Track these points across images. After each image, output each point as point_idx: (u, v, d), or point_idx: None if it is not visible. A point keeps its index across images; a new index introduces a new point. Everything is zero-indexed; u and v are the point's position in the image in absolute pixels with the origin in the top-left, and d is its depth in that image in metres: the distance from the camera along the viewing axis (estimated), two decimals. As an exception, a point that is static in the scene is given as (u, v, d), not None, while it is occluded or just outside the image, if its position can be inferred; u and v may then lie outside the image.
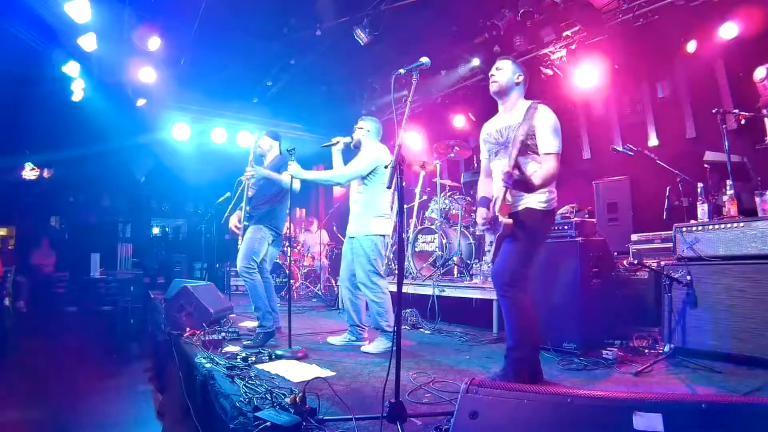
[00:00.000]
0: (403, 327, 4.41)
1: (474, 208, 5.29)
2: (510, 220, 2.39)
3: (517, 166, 2.30)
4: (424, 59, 2.22)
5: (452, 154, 5.92)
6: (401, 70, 2.26)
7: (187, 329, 3.76)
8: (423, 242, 5.53)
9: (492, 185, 2.66)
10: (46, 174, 9.53)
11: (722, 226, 2.95)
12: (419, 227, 5.63)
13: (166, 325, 4.20)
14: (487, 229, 2.59)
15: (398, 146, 2.04)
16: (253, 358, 2.97)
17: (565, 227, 3.40)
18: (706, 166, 3.57)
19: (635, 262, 3.58)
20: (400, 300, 2.02)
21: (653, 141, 5.37)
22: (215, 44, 6.12)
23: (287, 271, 6.52)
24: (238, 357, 2.98)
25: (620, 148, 3.98)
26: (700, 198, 3.24)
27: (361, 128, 3.70)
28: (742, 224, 2.87)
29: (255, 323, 3.85)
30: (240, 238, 3.84)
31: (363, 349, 3.45)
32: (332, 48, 6.10)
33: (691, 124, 5.09)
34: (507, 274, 2.42)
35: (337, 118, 8.27)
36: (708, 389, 2.42)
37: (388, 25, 5.53)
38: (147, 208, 11.58)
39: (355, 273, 3.61)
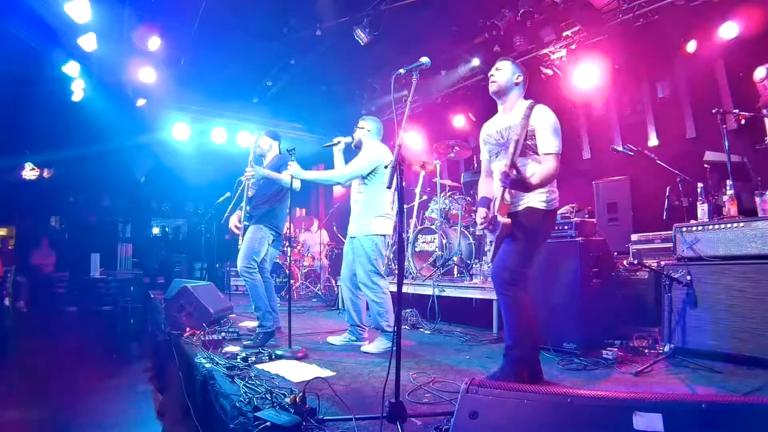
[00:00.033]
0: (403, 327, 4.41)
1: (474, 208, 5.29)
2: (508, 220, 2.39)
3: (514, 165, 2.30)
4: (424, 59, 2.22)
5: (452, 154, 5.92)
6: (401, 70, 2.26)
7: (187, 329, 3.76)
8: (423, 242, 5.53)
9: (492, 185, 2.67)
10: (46, 174, 9.53)
11: (722, 226, 2.95)
12: (419, 227, 5.63)
13: (166, 325, 4.20)
14: (487, 229, 2.59)
15: (398, 146, 2.05)
16: (253, 358, 2.97)
17: (565, 227, 3.40)
18: (706, 166, 3.57)
19: (635, 262, 3.58)
20: (399, 300, 2.02)
21: (653, 141, 5.38)
22: (215, 44, 6.12)
23: (287, 271, 6.52)
24: (238, 357, 2.98)
25: (620, 148, 3.98)
26: (700, 198, 3.23)
27: (362, 128, 3.70)
28: (742, 224, 2.87)
29: (255, 323, 3.85)
30: (240, 238, 3.84)
31: (363, 349, 3.45)
32: (332, 48, 6.10)
33: (691, 124, 5.09)
34: (507, 273, 2.42)
35: (337, 118, 8.29)
36: (708, 389, 2.42)
37: (388, 25, 5.53)
38: (147, 208, 11.58)
39: (355, 273, 3.61)
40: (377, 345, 3.42)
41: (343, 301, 3.96)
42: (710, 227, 3.01)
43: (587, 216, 3.78)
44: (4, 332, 6.04)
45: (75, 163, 8.85)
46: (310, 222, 8.56)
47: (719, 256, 2.93)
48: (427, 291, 4.70)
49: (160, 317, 4.76)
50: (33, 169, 9.29)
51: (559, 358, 3.05)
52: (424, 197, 5.89)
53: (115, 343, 6.30)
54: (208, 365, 2.73)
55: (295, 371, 2.75)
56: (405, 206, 5.46)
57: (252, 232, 3.75)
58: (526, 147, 2.46)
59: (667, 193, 3.93)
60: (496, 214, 2.44)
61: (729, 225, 2.92)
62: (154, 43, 5.83)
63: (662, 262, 3.47)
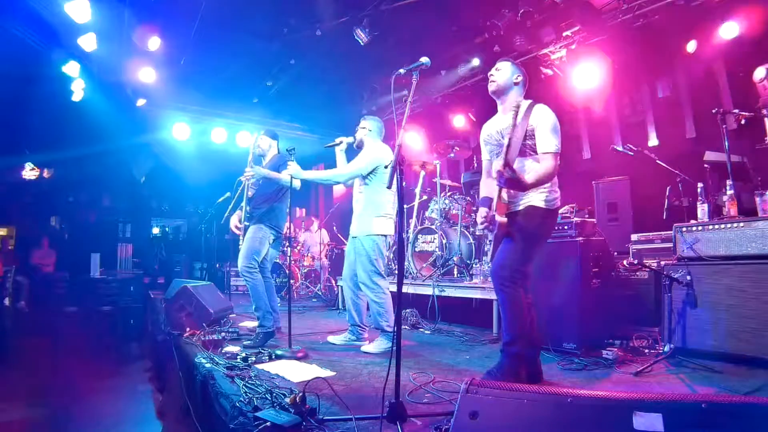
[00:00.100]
0: (403, 327, 4.41)
1: (474, 208, 5.30)
2: (505, 219, 2.40)
3: (508, 164, 2.30)
4: (424, 59, 2.22)
5: (452, 154, 5.93)
6: (401, 70, 2.27)
7: (187, 329, 3.76)
8: (423, 242, 5.53)
9: (493, 185, 2.67)
10: (46, 174, 9.53)
11: (722, 226, 2.95)
12: (419, 227, 5.63)
13: (166, 325, 4.20)
14: (488, 229, 2.59)
15: (398, 146, 2.05)
16: (253, 358, 2.97)
17: (565, 227, 3.40)
18: (706, 166, 3.57)
19: (635, 262, 3.58)
20: (399, 300, 2.02)
21: (653, 141, 5.38)
22: (215, 44, 6.12)
23: (287, 271, 6.53)
24: (238, 357, 2.98)
25: (620, 148, 3.98)
26: (700, 198, 3.23)
27: (364, 128, 3.70)
28: (742, 224, 2.86)
29: (255, 323, 3.85)
30: (241, 238, 3.85)
31: (363, 349, 3.45)
32: (332, 48, 6.10)
33: (691, 124, 5.09)
34: (506, 271, 2.43)
35: (337, 118, 8.29)
36: (708, 389, 2.42)
37: (388, 25, 5.54)
38: (147, 208, 11.58)
39: (356, 273, 3.61)
40: (377, 345, 3.42)
41: (343, 300, 3.96)
42: (710, 227, 3.01)
43: (587, 216, 3.78)
44: (4, 332, 6.04)
45: (75, 163, 8.85)
46: (310, 222, 8.56)
47: (719, 256, 2.93)
48: (427, 291, 4.70)
49: (160, 317, 4.76)
50: (33, 169, 9.30)
51: (559, 358, 3.05)
52: (424, 197, 5.89)
53: (115, 343, 6.30)
54: (208, 365, 2.73)
55: (295, 371, 2.74)
56: (405, 206, 5.46)
57: (252, 231, 3.75)
58: (525, 146, 2.46)
59: (667, 193, 3.93)
60: (494, 213, 2.45)
61: (729, 225, 2.92)
62: (154, 43, 5.83)
63: (662, 262, 3.47)
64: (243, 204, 3.89)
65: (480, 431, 1.40)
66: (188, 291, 4.08)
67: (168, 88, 6.99)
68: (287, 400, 1.96)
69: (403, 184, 1.99)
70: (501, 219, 2.39)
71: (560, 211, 3.49)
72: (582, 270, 3.20)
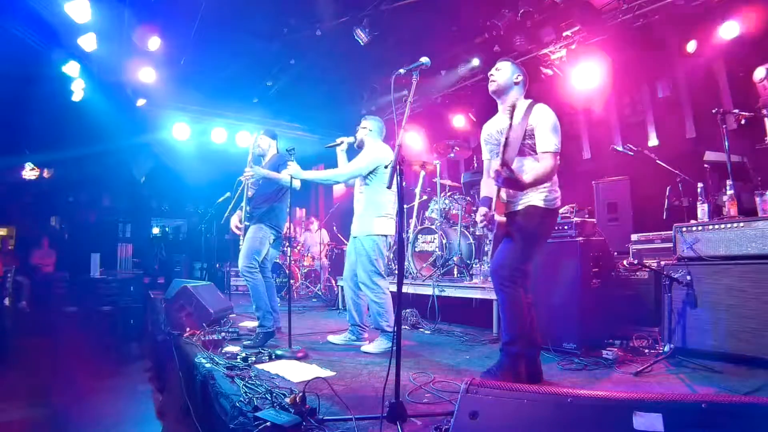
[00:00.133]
0: (403, 327, 4.41)
1: (474, 208, 5.30)
2: (503, 218, 2.40)
3: (505, 164, 2.30)
4: (424, 59, 2.22)
5: (452, 154, 5.93)
6: (401, 70, 2.27)
7: (187, 329, 3.76)
8: (423, 242, 5.53)
9: (493, 185, 2.67)
10: (46, 174, 9.53)
11: (722, 226, 2.95)
12: (419, 227, 5.63)
13: (166, 325, 4.20)
14: (487, 228, 2.60)
15: (398, 146, 2.05)
16: (253, 358, 2.97)
17: (565, 227, 3.40)
18: (706, 166, 3.57)
19: (635, 262, 3.58)
20: (399, 300, 2.02)
21: (653, 141, 5.38)
22: (215, 44, 6.12)
23: (287, 271, 6.53)
24: (238, 357, 2.98)
25: (620, 148, 3.98)
26: (700, 198, 3.23)
27: (364, 128, 3.70)
28: (742, 224, 2.86)
29: (255, 323, 3.85)
30: (241, 238, 3.85)
31: (363, 349, 3.45)
32: (332, 48, 6.10)
33: (691, 124, 5.09)
34: (505, 270, 2.43)
35: (338, 118, 8.29)
36: (708, 389, 2.42)
37: (388, 25, 5.54)
38: (147, 208, 11.58)
39: (356, 273, 3.61)
40: (377, 345, 3.42)
41: (343, 300, 3.96)
42: (710, 227, 3.01)
43: (587, 216, 3.78)
44: (4, 332, 6.04)
45: (75, 163, 8.85)
46: (310, 222, 8.57)
47: (719, 256, 2.93)
48: (427, 291, 4.70)
49: (160, 317, 4.76)
50: (33, 169, 9.30)
51: (559, 358, 3.05)
52: (424, 197, 5.89)
53: (115, 343, 6.30)
54: (208, 365, 2.73)
55: (295, 371, 2.74)
56: (405, 206, 5.46)
57: (253, 231, 3.75)
58: (525, 146, 2.46)
59: (667, 193, 3.93)
60: (493, 213, 2.45)
61: (729, 225, 2.92)
62: (154, 43, 5.83)
63: (662, 262, 3.47)
64: (243, 204, 3.89)
65: (480, 431, 1.40)
66: (188, 291, 4.08)
67: (168, 88, 6.99)
68: (287, 400, 1.96)
69: (403, 184, 1.99)
70: (500, 218, 2.40)
71: (560, 211, 3.49)
72: (582, 270, 3.20)
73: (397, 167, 1.98)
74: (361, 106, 7.60)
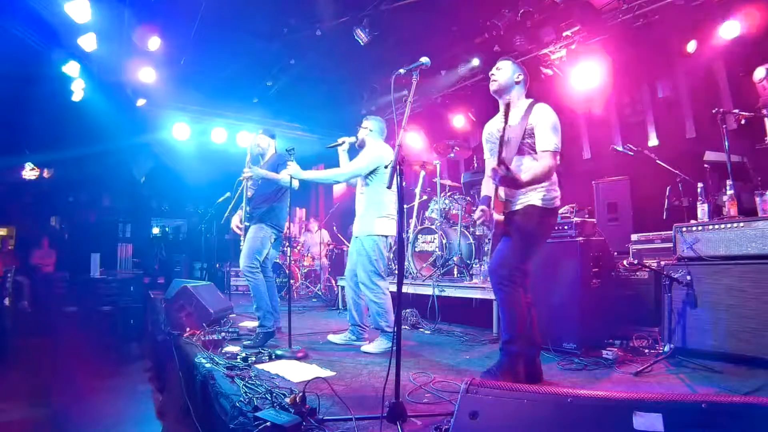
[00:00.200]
0: (403, 327, 4.41)
1: (474, 208, 5.29)
2: (501, 217, 2.40)
3: (502, 162, 2.30)
4: (424, 59, 2.22)
5: (452, 154, 5.92)
6: (401, 70, 2.27)
7: (187, 329, 3.76)
8: (423, 242, 5.53)
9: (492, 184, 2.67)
10: (46, 174, 9.53)
11: (722, 226, 2.95)
12: (419, 227, 5.63)
13: (166, 325, 4.20)
14: (485, 226, 2.60)
15: (398, 146, 2.05)
16: (253, 358, 2.97)
17: (565, 227, 3.40)
18: (706, 166, 3.57)
19: (635, 262, 3.58)
20: (399, 300, 2.02)
21: (653, 141, 5.38)
22: (215, 44, 6.12)
23: (287, 271, 6.53)
24: (238, 357, 2.98)
25: (620, 148, 3.98)
26: (700, 198, 3.23)
27: (365, 128, 3.70)
28: (742, 224, 2.87)
29: (255, 323, 3.85)
30: (242, 238, 3.85)
31: (363, 349, 3.45)
32: (332, 48, 6.10)
33: (691, 124, 5.09)
34: (504, 270, 2.43)
35: (337, 118, 8.29)
36: (708, 389, 2.42)
37: (388, 25, 5.54)
38: (147, 208, 11.58)
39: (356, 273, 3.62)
40: (377, 345, 3.42)
41: (343, 300, 3.96)
42: (710, 227, 3.01)
43: (587, 216, 3.78)
44: (4, 332, 6.04)
45: (75, 163, 8.85)
46: (310, 223, 8.57)
47: (719, 256, 2.93)
48: (427, 291, 4.70)
49: (160, 317, 4.76)
50: (33, 169, 9.30)
51: (559, 358, 3.05)
52: (424, 197, 5.89)
53: (115, 343, 6.30)
54: (208, 365, 2.73)
55: (295, 371, 2.74)
56: (405, 206, 5.46)
57: (253, 231, 3.75)
58: (524, 145, 2.46)
59: (667, 193, 3.93)
60: (492, 211, 2.45)
61: (729, 225, 2.92)
62: (154, 43, 5.83)
63: (662, 262, 3.47)
64: (243, 204, 3.89)
65: (480, 431, 1.40)
66: (188, 291, 4.07)
67: (168, 88, 6.99)
68: (287, 400, 1.96)
69: (403, 184, 1.99)
70: (498, 217, 2.40)
71: (560, 211, 3.50)
72: (582, 270, 3.20)
73: (397, 167, 1.98)
74: (361, 106, 7.60)
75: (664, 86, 5.29)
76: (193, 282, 4.46)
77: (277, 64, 6.85)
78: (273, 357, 3.05)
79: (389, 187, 2.00)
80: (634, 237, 4.31)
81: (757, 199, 2.94)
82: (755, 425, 1.17)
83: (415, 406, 2.14)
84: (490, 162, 2.66)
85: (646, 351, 3.21)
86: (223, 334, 3.65)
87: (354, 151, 3.79)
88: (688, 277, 2.99)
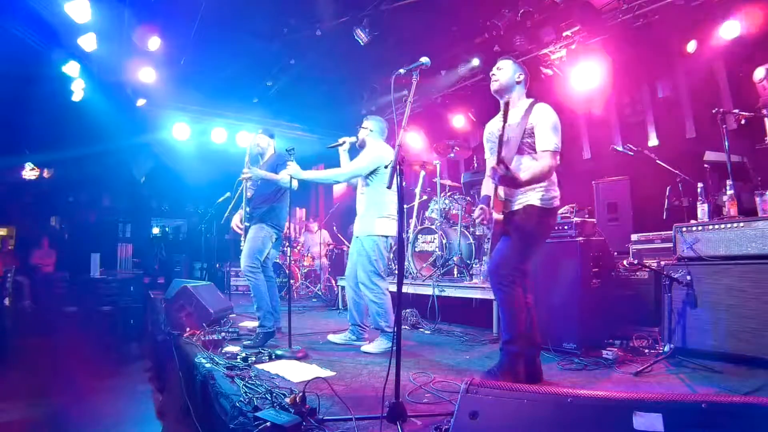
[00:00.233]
0: (403, 327, 4.41)
1: (474, 208, 5.29)
2: (501, 216, 2.41)
3: (501, 161, 2.30)
4: (424, 59, 2.22)
5: (452, 154, 5.92)
6: (401, 70, 2.27)
7: (187, 329, 3.76)
8: (423, 242, 5.53)
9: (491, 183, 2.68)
10: (46, 174, 9.54)
11: (722, 226, 2.95)
12: (419, 227, 5.63)
13: (166, 325, 4.20)
14: (484, 225, 2.60)
15: (398, 146, 2.05)
16: (253, 358, 2.97)
17: (565, 227, 3.40)
18: (706, 166, 3.57)
19: (635, 262, 3.58)
20: (399, 300, 2.02)
21: (653, 141, 5.38)
22: (215, 44, 6.12)
23: (287, 271, 6.53)
24: (238, 357, 2.98)
25: (620, 148, 3.98)
26: (700, 198, 3.23)
27: (365, 128, 3.70)
28: (742, 224, 2.87)
29: (255, 323, 3.84)
30: (242, 238, 3.85)
31: (363, 349, 3.45)
32: (332, 48, 6.10)
33: (691, 124, 5.09)
34: (502, 270, 2.43)
35: (337, 118, 8.29)
36: (708, 389, 2.42)
37: (388, 25, 5.53)
38: (147, 208, 11.59)
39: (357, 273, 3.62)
40: (377, 345, 3.42)
41: (343, 300, 3.96)
42: (710, 227, 3.01)
43: (587, 216, 3.78)
44: (4, 332, 6.04)
45: (75, 163, 8.85)
46: (310, 222, 8.57)
47: (719, 256, 2.93)
48: (427, 291, 4.70)
49: (160, 317, 4.76)
50: (33, 169, 9.30)
51: (559, 358, 3.05)
52: (424, 197, 5.89)
53: (115, 343, 6.30)
54: (208, 365, 2.73)
55: (295, 371, 2.74)
56: (405, 206, 5.46)
57: (254, 231, 3.76)
58: (524, 144, 2.47)
59: (667, 193, 3.93)
60: (491, 211, 2.46)
61: (729, 225, 2.92)
62: (154, 43, 5.83)
63: (662, 262, 3.47)
64: (243, 204, 3.89)
65: (480, 431, 1.40)
66: (188, 291, 4.07)
67: (168, 88, 6.99)
68: (287, 400, 1.96)
69: (403, 184, 1.99)
70: (498, 216, 2.40)
71: (560, 211, 3.50)
72: (582, 270, 3.20)
73: (397, 167, 1.98)
74: (361, 106, 7.60)
75: (664, 86, 5.29)
76: (193, 282, 4.46)
77: (277, 64, 6.85)
78: (273, 357, 3.05)
79: (389, 187, 2.00)
80: (634, 237, 4.31)
81: (757, 199, 2.94)
82: (755, 425, 1.17)
83: (415, 406, 2.14)
84: (490, 161, 2.66)
85: (646, 351, 3.21)
86: (223, 334, 3.65)
87: (355, 151, 3.79)
88: (688, 277, 2.99)
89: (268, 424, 1.77)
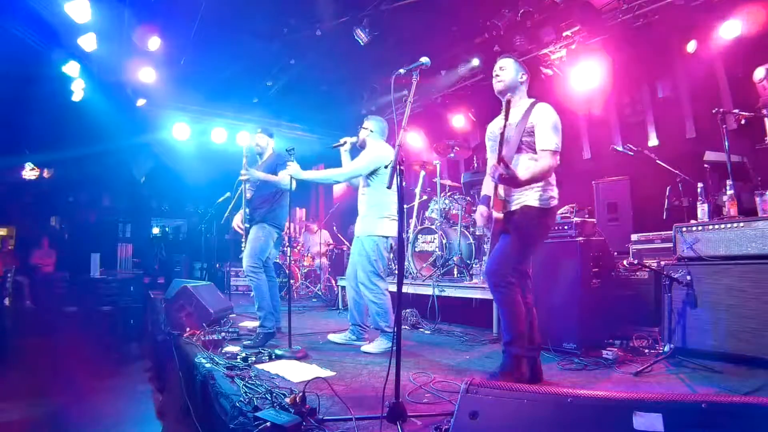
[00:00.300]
0: (403, 327, 4.41)
1: (474, 208, 5.30)
2: (501, 215, 2.41)
3: (501, 160, 2.30)
4: (424, 59, 2.22)
5: (452, 154, 5.92)
6: (401, 70, 2.27)
7: (187, 329, 3.76)
8: (423, 242, 5.53)
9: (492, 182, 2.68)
10: (46, 174, 9.54)
11: (722, 226, 2.95)
12: (419, 227, 5.63)
13: (166, 325, 4.20)
14: (485, 226, 2.60)
15: (398, 146, 2.05)
16: (253, 358, 2.97)
17: (565, 227, 3.40)
18: (706, 166, 3.57)
19: (635, 262, 3.58)
20: (399, 300, 2.02)
21: (653, 141, 5.38)
22: (215, 44, 6.12)
23: (287, 271, 6.53)
24: (238, 357, 2.98)
25: (620, 148, 3.98)
26: (700, 198, 3.23)
27: (366, 128, 3.70)
28: (742, 224, 2.87)
29: (255, 323, 3.84)
30: (243, 238, 3.85)
31: (363, 348, 3.45)
32: (332, 48, 6.10)
33: (691, 124, 5.09)
34: (501, 270, 2.43)
35: (337, 118, 8.29)
36: (708, 389, 2.42)
37: (388, 25, 5.54)
38: (147, 208, 11.59)
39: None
40: (377, 345, 3.42)
41: (343, 300, 3.96)
42: (710, 227, 3.01)
43: (587, 216, 3.78)
44: (4, 332, 6.04)
45: (75, 163, 8.85)
46: (311, 222, 8.57)
47: (719, 256, 2.93)
48: (427, 291, 4.70)
49: (160, 317, 4.76)
50: (33, 169, 9.30)
51: (559, 358, 3.05)
52: (424, 197, 5.89)
53: (115, 343, 6.30)
54: (208, 365, 2.73)
55: (295, 371, 2.75)
56: (405, 206, 5.46)
57: (255, 231, 3.76)
58: (524, 144, 2.47)
59: (667, 193, 3.93)
60: (491, 210, 2.46)
61: (729, 225, 2.92)
62: (154, 43, 5.83)
63: (662, 262, 3.47)
64: (243, 205, 3.89)
65: (480, 431, 1.40)
66: (188, 291, 4.07)
67: (168, 88, 6.99)
68: (287, 400, 1.96)
69: (403, 184, 1.99)
70: (498, 215, 2.41)
71: (560, 211, 3.50)
72: (582, 270, 3.20)
73: (397, 167, 1.98)
74: (361, 106, 7.60)
75: (664, 86, 5.29)
76: (193, 282, 4.46)
77: (277, 64, 6.86)
78: (273, 357, 3.05)
79: (389, 187, 2.00)
80: (634, 237, 4.31)
81: (757, 199, 2.94)
82: (755, 425, 1.17)
83: (415, 406, 2.14)
84: (491, 160, 2.66)
85: (646, 351, 3.21)
86: (223, 334, 3.65)
87: (356, 151, 3.80)
88: (688, 277, 2.99)
89: (268, 424, 1.77)
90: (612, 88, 5.48)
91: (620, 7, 5.00)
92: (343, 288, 5.67)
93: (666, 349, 3.01)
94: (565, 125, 2.51)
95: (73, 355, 5.15)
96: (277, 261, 6.23)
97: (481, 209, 2.66)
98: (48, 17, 5.29)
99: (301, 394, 1.94)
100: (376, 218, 3.52)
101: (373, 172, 3.54)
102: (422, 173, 5.79)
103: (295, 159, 3.50)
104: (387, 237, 3.56)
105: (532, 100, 2.56)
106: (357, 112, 7.61)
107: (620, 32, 5.11)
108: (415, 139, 7.98)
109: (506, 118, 2.37)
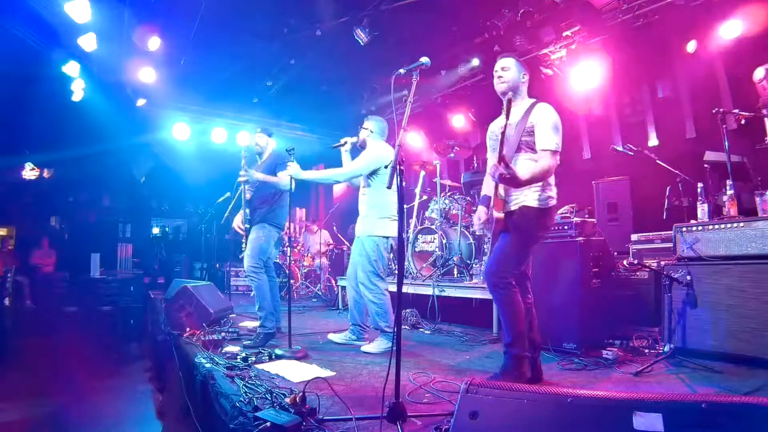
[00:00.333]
0: (403, 327, 4.40)
1: (474, 208, 5.30)
2: (501, 215, 2.41)
3: (502, 160, 2.30)
4: (424, 59, 2.22)
5: (452, 154, 5.92)
6: (401, 70, 2.27)
7: (187, 329, 3.76)
8: (423, 242, 5.53)
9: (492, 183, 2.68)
10: (46, 174, 9.54)
11: (722, 226, 2.95)
12: (419, 227, 5.63)
13: (166, 325, 4.20)
14: (485, 227, 2.60)
15: (398, 146, 2.05)
16: (253, 358, 2.97)
17: (565, 227, 3.40)
18: (706, 166, 3.57)
19: (635, 262, 3.58)
20: (399, 300, 2.02)
21: (653, 141, 5.38)
22: (215, 44, 6.12)
23: (287, 271, 6.53)
24: (238, 357, 2.98)
25: (620, 148, 3.98)
26: (700, 198, 3.23)
27: (366, 128, 3.70)
28: (742, 224, 2.86)
29: (255, 323, 3.84)
30: (243, 239, 3.85)
31: (363, 348, 3.45)
32: (332, 48, 6.10)
33: (691, 124, 5.09)
34: (500, 271, 2.43)
35: (337, 118, 8.29)
36: (708, 389, 2.42)
37: (388, 25, 5.54)
38: (147, 208, 11.59)
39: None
40: (377, 345, 3.42)
41: (343, 300, 3.96)
42: (710, 227, 3.01)
43: (587, 216, 3.78)
44: (4, 332, 6.04)
45: (75, 163, 8.85)
46: (311, 222, 8.58)
47: (719, 256, 2.93)
48: (427, 291, 4.70)
49: (160, 317, 4.76)
50: (33, 169, 9.30)
51: (559, 358, 3.05)
52: (424, 197, 5.89)
53: (115, 343, 6.30)
54: (208, 365, 2.73)
55: (295, 371, 2.75)
56: (405, 206, 5.46)
57: (255, 232, 3.76)
58: (523, 143, 2.47)
59: (667, 193, 3.93)
60: (491, 211, 2.46)
61: (729, 225, 2.92)
62: (154, 43, 5.83)
63: (662, 262, 3.47)
64: (243, 206, 3.89)
65: (480, 431, 1.40)
66: (188, 291, 4.07)
67: (168, 88, 6.99)
68: (287, 400, 1.96)
69: (403, 184, 1.99)
70: (498, 215, 2.41)
71: (560, 211, 3.50)
72: (582, 270, 3.20)
73: (398, 167, 1.98)
74: (361, 106, 7.60)
75: (664, 86, 5.28)
76: (193, 282, 4.46)
77: (277, 64, 6.86)
78: (273, 357, 3.05)
79: (389, 187, 2.00)
80: (634, 237, 4.31)
81: (757, 199, 2.94)
82: (755, 425, 1.17)
83: (415, 406, 2.15)
84: (491, 159, 2.66)
85: (646, 351, 3.21)
86: (223, 334, 3.65)
87: (356, 151, 3.80)
88: (688, 277, 2.99)
89: (268, 424, 1.77)
90: (612, 88, 5.48)
91: (620, 7, 5.01)
92: (343, 288, 5.67)
93: (666, 349, 3.01)
94: (565, 125, 2.51)
95: (73, 355, 5.15)
96: (278, 261, 6.23)
97: (480, 212, 2.66)
98: (48, 17, 5.29)
99: (301, 394, 1.94)
100: (377, 219, 3.52)
101: (374, 173, 3.53)
102: (422, 173, 5.79)
103: (295, 159, 3.50)
104: (387, 237, 3.56)
105: (533, 100, 2.56)
106: (357, 112, 7.61)
107: (620, 32, 5.11)
108: (415, 139, 7.98)
109: (507, 118, 2.37)
